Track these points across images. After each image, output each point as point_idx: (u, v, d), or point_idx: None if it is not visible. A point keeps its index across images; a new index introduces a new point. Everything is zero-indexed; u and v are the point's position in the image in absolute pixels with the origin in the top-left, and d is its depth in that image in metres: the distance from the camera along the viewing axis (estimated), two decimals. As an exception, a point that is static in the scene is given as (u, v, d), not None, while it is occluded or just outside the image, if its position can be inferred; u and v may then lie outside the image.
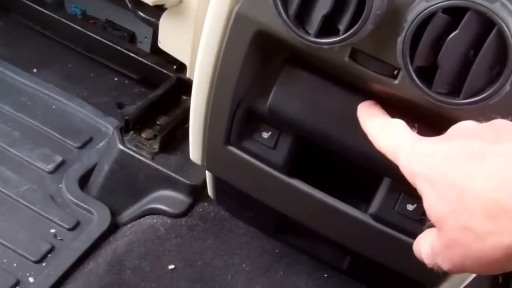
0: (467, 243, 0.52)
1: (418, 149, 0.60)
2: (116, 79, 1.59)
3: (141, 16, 1.16)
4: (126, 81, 1.59)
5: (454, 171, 0.54)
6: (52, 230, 1.18)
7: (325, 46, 0.71)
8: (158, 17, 1.13)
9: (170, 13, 1.08)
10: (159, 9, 1.11)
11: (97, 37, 1.55)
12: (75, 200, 1.23)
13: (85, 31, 1.55)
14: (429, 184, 0.56)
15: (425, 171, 0.57)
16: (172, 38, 1.10)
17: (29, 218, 1.19)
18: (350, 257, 1.10)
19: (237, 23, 0.78)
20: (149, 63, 1.51)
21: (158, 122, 1.29)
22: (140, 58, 1.53)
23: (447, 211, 0.54)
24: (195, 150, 1.00)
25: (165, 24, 1.10)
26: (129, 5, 1.16)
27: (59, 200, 1.24)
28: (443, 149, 0.56)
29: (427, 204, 0.56)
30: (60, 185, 1.26)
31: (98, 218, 1.21)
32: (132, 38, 1.61)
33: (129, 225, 1.21)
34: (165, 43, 1.12)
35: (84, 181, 1.28)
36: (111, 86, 1.57)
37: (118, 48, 1.54)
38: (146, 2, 1.06)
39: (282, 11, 0.71)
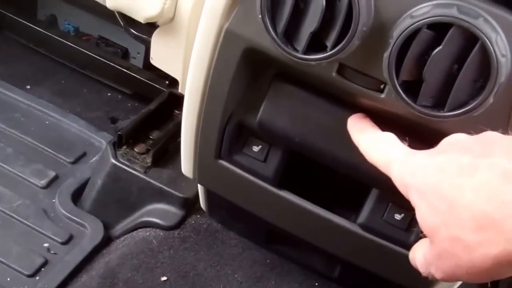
0: (458, 253, 0.53)
1: (410, 162, 0.60)
2: (109, 94, 1.59)
3: (133, 33, 1.16)
4: (119, 96, 1.60)
5: (445, 183, 0.54)
6: (46, 244, 1.17)
7: (313, 62, 0.71)
8: (150, 34, 1.12)
9: (162, 30, 1.08)
10: (151, 27, 1.11)
11: (90, 53, 1.55)
12: (68, 214, 1.23)
13: (78, 47, 1.55)
14: (421, 196, 0.57)
15: (417, 183, 0.57)
16: (164, 54, 1.10)
17: (23, 232, 1.18)
18: (341, 265, 1.10)
19: (227, 40, 0.79)
20: (141, 78, 1.52)
21: (151, 137, 1.29)
22: (132, 74, 1.53)
23: (438, 223, 0.55)
24: (186, 164, 1.00)
25: (157, 41, 1.10)
26: (122, 23, 1.16)
27: (52, 214, 1.24)
28: (434, 162, 0.57)
29: (419, 215, 0.57)
30: (54, 200, 1.26)
31: (91, 232, 1.20)
32: (125, 54, 1.62)
33: (122, 238, 1.21)
34: (157, 60, 1.12)
35: (77, 196, 1.28)
36: (104, 101, 1.57)
37: (111, 64, 1.54)
38: (137, 20, 1.06)
39: (270, 29, 0.71)
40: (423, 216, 0.56)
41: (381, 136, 0.69)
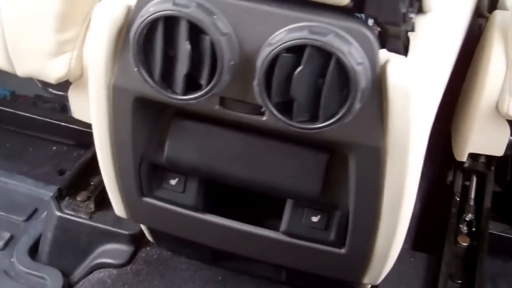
0: None
1: None
2: (54, 148, 1.58)
3: (51, 92, 1.16)
4: (65, 148, 1.58)
5: None
6: (10, 303, 1.16)
7: (193, 101, 0.71)
8: (67, 90, 1.12)
9: (75, 86, 1.08)
10: (67, 83, 1.10)
11: (29, 114, 1.55)
12: (28, 270, 1.21)
13: (17, 111, 1.55)
14: None
15: None
16: (81, 107, 1.10)
17: (-14, 296, 1.17)
18: (285, 269, 1.10)
19: (116, 94, 0.79)
20: (81, 128, 1.50)
21: (92, 183, 1.28)
22: (72, 125, 1.52)
23: None
24: (117, 206, 0.99)
25: (73, 96, 1.10)
26: (39, 84, 1.15)
27: (12, 273, 1.22)
28: None
29: None
30: (12, 259, 1.24)
31: (51, 282, 1.19)
32: (63, 107, 1.60)
33: (80, 283, 1.20)
34: (77, 113, 1.12)
35: (34, 251, 1.27)
36: (50, 155, 1.56)
37: (50, 120, 1.54)
38: (49, 81, 1.05)
39: (148, 78, 0.71)
40: None
41: None
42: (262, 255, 1.00)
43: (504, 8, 1.02)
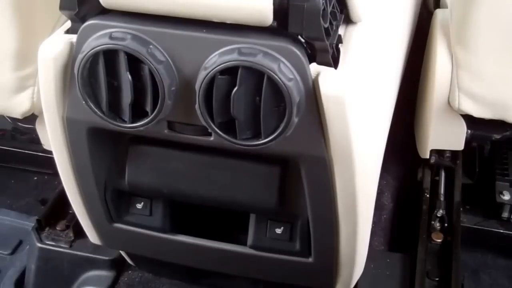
0: None
1: None
2: (35, 178, 1.62)
3: (22, 126, 1.21)
4: (46, 177, 1.62)
5: None
6: (-2, 336, 1.20)
7: (141, 128, 0.76)
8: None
9: (41, 118, 1.13)
10: (34, 116, 1.16)
11: (8, 148, 1.59)
12: (14, 303, 1.25)
13: (-4, 146, 1.59)
14: None
15: None
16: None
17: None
18: (262, 282, 1.15)
19: (69, 126, 0.84)
20: (59, 157, 1.55)
21: (70, 211, 1.33)
22: (50, 155, 1.55)
23: None
24: (90, 233, 1.04)
25: (40, 128, 1.16)
26: (9, 120, 1.21)
27: (-1, 307, 1.26)
28: None
29: None
30: (-1, 293, 1.28)
31: (38, 314, 1.23)
32: (40, 137, 1.65)
33: (66, 312, 1.24)
34: (46, 144, 1.17)
35: (20, 283, 1.31)
36: (32, 186, 1.60)
37: (30, 152, 1.58)
38: (16, 117, 1.11)
39: (96, 110, 0.76)
40: None
41: None
42: (234, 270, 1.04)
43: (445, 6, 1.07)
